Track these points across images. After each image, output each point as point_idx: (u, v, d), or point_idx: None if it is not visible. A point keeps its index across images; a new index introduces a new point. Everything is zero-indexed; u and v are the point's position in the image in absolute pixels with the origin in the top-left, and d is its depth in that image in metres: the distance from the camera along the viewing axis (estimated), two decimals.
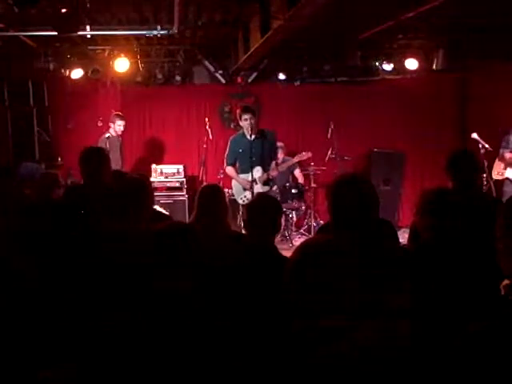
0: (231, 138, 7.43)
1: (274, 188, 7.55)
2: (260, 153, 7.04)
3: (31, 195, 5.11)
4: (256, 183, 7.10)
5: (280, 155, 8.87)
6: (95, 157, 4.38)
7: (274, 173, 7.31)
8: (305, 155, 8.34)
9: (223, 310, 2.33)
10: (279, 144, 8.95)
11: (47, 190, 4.96)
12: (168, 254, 2.22)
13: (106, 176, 4.29)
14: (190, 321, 2.07)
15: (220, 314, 2.24)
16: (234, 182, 7.38)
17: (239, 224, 7.37)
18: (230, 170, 7.38)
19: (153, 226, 2.54)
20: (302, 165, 9.09)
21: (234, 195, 7.51)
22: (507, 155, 7.71)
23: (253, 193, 6.90)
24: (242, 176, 7.23)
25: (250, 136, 6.99)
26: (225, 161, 7.41)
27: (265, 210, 3.22)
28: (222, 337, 2.10)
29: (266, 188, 7.23)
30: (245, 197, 7.24)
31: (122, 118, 8.43)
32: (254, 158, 6.90)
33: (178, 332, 2.02)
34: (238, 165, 7.34)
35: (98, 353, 2.15)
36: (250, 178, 7.04)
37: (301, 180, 9.09)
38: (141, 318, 2.07)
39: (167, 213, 6.65)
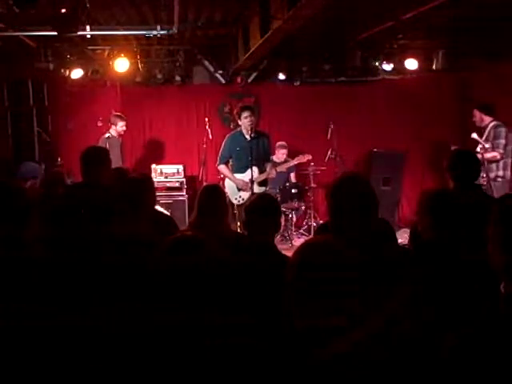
0: (228, 135, 7.36)
1: (268, 189, 7.42)
2: (257, 153, 6.98)
3: (34, 191, 5.20)
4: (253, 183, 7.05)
5: (283, 155, 8.87)
6: (96, 157, 4.39)
7: (272, 173, 7.26)
8: (305, 157, 8.31)
9: (224, 310, 2.33)
10: (282, 144, 8.95)
11: (53, 187, 5.07)
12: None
13: (105, 177, 4.29)
14: (189, 321, 2.08)
15: (221, 314, 2.24)
16: (227, 182, 7.23)
17: (237, 224, 7.28)
18: (223, 168, 7.25)
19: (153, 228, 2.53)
20: (301, 165, 9.08)
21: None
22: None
23: (253, 193, 6.84)
24: (237, 176, 7.14)
25: (249, 135, 6.97)
26: (218, 158, 7.30)
27: (264, 209, 3.22)
28: (223, 337, 2.10)
29: (263, 188, 7.13)
30: (240, 197, 7.12)
31: (123, 118, 8.42)
32: (250, 158, 6.84)
33: (179, 332, 2.03)
34: (232, 164, 7.24)
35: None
36: (245, 178, 7.00)
37: None
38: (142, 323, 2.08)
39: (168, 213, 6.68)
